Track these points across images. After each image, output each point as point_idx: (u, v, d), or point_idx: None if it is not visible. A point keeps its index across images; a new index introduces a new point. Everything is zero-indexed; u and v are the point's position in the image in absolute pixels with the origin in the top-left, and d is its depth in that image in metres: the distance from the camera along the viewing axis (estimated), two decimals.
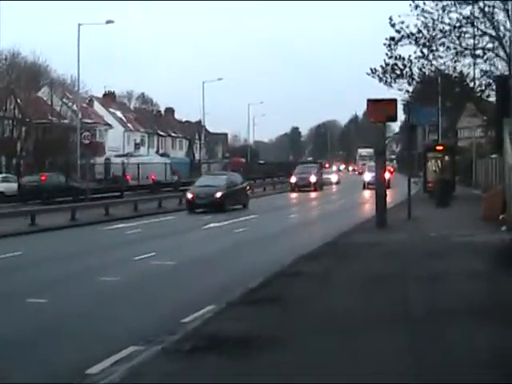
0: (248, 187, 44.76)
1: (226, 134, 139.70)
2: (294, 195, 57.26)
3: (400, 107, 28.40)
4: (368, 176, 60.43)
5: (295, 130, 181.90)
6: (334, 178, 76.51)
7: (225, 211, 36.46)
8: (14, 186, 45.74)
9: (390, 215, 26.34)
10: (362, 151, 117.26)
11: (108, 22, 55.14)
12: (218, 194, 37.96)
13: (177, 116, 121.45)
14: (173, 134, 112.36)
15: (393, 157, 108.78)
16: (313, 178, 62.06)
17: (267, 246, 22.47)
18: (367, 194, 52.87)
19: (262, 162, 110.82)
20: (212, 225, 29.57)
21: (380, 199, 24.53)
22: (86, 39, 60.18)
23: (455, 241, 19.53)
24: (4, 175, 52.49)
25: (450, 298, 11.70)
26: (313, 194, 57.61)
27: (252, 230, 28.04)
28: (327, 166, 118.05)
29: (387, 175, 68.93)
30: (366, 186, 60.45)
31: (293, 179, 62.82)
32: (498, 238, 18.28)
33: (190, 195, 38.97)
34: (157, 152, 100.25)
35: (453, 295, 11.92)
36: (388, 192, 26.95)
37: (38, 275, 17.17)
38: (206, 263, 18.91)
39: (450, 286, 12.77)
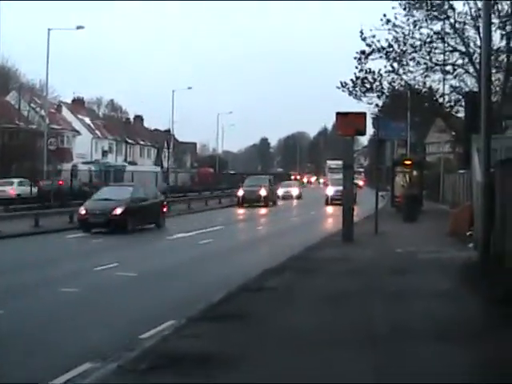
0: (164, 202, 36.43)
1: (194, 144, 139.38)
2: (239, 211, 50.86)
3: (369, 121, 28.26)
4: (331, 190, 55.63)
5: (264, 141, 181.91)
6: (294, 191, 70.01)
7: (127, 232, 30.04)
8: (28, 189, 49.92)
9: (357, 229, 26.16)
10: (331, 163, 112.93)
11: (78, 27, 54.72)
12: (118, 211, 30.62)
13: (146, 124, 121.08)
14: (141, 142, 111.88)
15: (361, 170, 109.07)
16: (263, 192, 54.60)
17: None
18: (330, 210, 49.94)
19: (232, 172, 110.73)
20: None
21: (347, 213, 24.34)
22: (56, 44, 59.54)
23: (422, 257, 19.36)
24: (20, 180, 54.48)
25: (413, 316, 11.46)
26: (262, 210, 50.71)
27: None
28: (297, 178, 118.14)
29: (361, 183, 66.57)
30: (329, 201, 55.24)
31: (240, 192, 55.81)
32: (465, 256, 18.08)
33: (82, 211, 31.54)
34: (125, 160, 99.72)
35: (416, 314, 11.68)
36: (355, 205, 26.75)
37: None
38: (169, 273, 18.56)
39: (413, 304, 12.55)
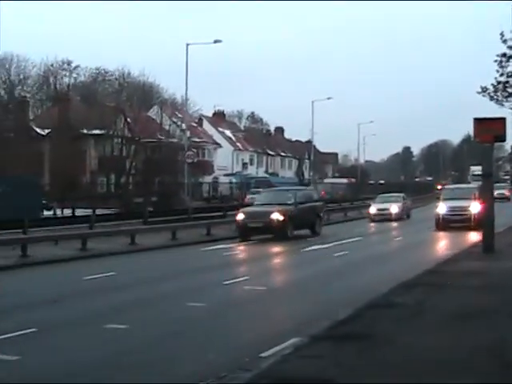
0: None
1: (336, 154, 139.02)
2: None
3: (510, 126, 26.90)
4: (443, 208, 38.29)
5: (407, 150, 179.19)
6: (393, 209, 49.55)
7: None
8: None
9: (501, 239, 24.97)
10: (476, 169, 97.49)
11: (216, 41, 55.06)
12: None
13: (286, 135, 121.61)
14: (282, 154, 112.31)
15: (506, 177, 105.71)
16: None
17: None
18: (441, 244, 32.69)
19: (381, 182, 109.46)
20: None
21: (487, 222, 23.17)
22: (195, 58, 60.33)
23: None
24: None
25: None
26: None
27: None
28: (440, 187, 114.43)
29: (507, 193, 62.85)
30: (440, 224, 37.52)
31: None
32: None
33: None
34: (266, 171, 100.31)
35: None
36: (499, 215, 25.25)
37: (124, 297, 16.73)
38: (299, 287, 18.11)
39: None
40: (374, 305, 13.61)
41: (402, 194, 53.56)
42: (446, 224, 36.76)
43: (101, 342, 12.11)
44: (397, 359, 9.57)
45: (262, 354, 10.46)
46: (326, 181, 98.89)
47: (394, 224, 45.56)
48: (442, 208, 37.92)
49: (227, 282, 18.74)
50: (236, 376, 9.26)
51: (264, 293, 17.25)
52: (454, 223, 36.65)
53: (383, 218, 47.26)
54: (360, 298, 14.37)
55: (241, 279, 19.15)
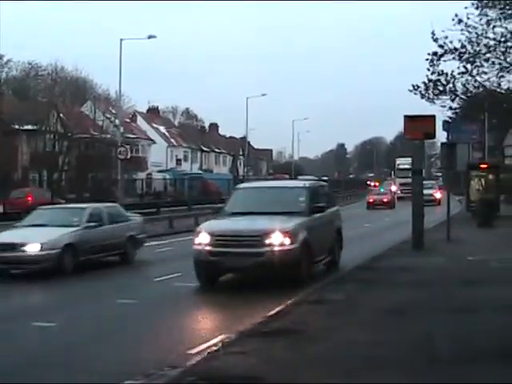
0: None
1: (270, 150, 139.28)
2: None
3: (440, 124, 27.28)
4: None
5: (341, 147, 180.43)
6: None
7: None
8: None
9: (430, 235, 25.36)
10: (402, 162, 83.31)
11: (150, 36, 54.50)
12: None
13: (221, 132, 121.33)
14: (216, 150, 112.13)
15: (438, 174, 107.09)
16: None
17: None
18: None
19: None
20: None
21: (417, 219, 23.49)
22: (129, 54, 59.72)
23: (494, 266, 18.44)
24: None
25: (478, 335, 10.64)
26: None
27: None
28: (375, 185, 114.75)
29: (438, 194, 57.40)
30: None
31: None
32: None
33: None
34: (200, 168, 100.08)
35: (482, 333, 10.80)
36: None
37: (55, 295, 16.52)
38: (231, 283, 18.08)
39: (481, 322, 11.64)
40: (304, 301, 13.68)
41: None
42: None
43: (27, 339, 11.96)
44: (326, 355, 9.63)
45: (191, 351, 10.44)
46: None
47: None
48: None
49: (158, 279, 18.66)
50: (163, 373, 9.21)
51: (195, 289, 17.18)
52: None
53: None
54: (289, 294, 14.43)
55: (173, 276, 19.03)
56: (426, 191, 45.52)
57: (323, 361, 9.35)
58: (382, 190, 75.07)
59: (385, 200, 63.23)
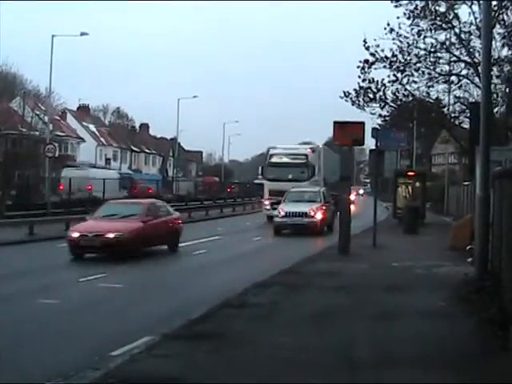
0: None
1: (200, 152, 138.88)
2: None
3: (369, 131, 27.58)
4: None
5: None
6: None
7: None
8: None
9: (357, 241, 25.60)
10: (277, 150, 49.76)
11: (82, 33, 53.90)
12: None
13: (152, 132, 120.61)
14: (146, 150, 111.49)
15: (367, 181, 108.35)
16: None
17: None
18: None
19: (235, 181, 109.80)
20: None
21: (343, 225, 23.71)
22: (61, 51, 58.92)
23: (417, 272, 18.75)
24: None
25: (398, 339, 10.79)
26: None
27: None
28: None
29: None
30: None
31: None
32: (463, 271, 17.37)
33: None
34: (129, 167, 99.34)
35: (403, 337, 10.97)
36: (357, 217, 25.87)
37: None
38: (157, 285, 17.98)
39: (400, 325, 11.87)
40: (228, 304, 13.65)
41: None
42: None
43: None
44: (248, 359, 9.64)
45: (113, 353, 10.34)
46: None
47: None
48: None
49: (83, 279, 18.45)
50: (84, 375, 9.10)
51: (120, 290, 17.04)
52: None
53: None
54: (214, 298, 14.38)
55: (97, 276, 18.83)
56: (293, 208, 36.22)
57: (245, 365, 9.36)
58: None
59: None
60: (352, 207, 26.64)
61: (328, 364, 9.34)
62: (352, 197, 61.76)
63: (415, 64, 37.95)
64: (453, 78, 38.55)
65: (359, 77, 38.45)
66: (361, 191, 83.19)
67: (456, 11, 36.97)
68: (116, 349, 10.56)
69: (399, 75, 38.07)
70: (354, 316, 12.53)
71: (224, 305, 13.59)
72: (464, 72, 38.01)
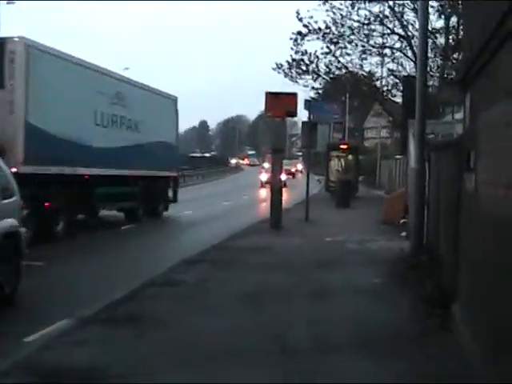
0: None
1: None
2: None
3: (302, 103, 26.98)
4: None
5: (203, 124, 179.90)
6: None
7: None
8: None
9: (289, 215, 25.13)
10: None
11: None
12: None
13: None
14: None
15: (299, 154, 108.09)
16: None
17: None
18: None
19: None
20: None
21: (275, 198, 23.14)
22: None
23: (350, 248, 18.31)
24: None
25: (330, 320, 10.24)
26: None
27: None
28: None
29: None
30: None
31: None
32: (397, 246, 16.94)
33: None
34: None
35: (334, 317, 10.41)
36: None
37: None
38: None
39: (332, 305, 11.33)
40: (152, 283, 12.89)
41: None
42: None
43: None
44: (175, 343, 8.92)
45: (27, 339, 9.49)
46: None
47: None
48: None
49: None
50: None
51: (38, 270, 16.13)
52: None
53: None
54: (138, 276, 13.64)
55: None
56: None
57: (171, 349, 8.63)
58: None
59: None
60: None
61: (259, 348, 8.70)
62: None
63: (349, 36, 37.61)
64: (386, 50, 38.37)
65: (292, 49, 37.96)
66: (299, 166, 79.50)
67: None
68: (31, 334, 9.69)
69: (332, 47, 37.73)
70: (286, 295, 11.93)
71: (147, 284, 12.81)
72: (397, 45, 37.77)
